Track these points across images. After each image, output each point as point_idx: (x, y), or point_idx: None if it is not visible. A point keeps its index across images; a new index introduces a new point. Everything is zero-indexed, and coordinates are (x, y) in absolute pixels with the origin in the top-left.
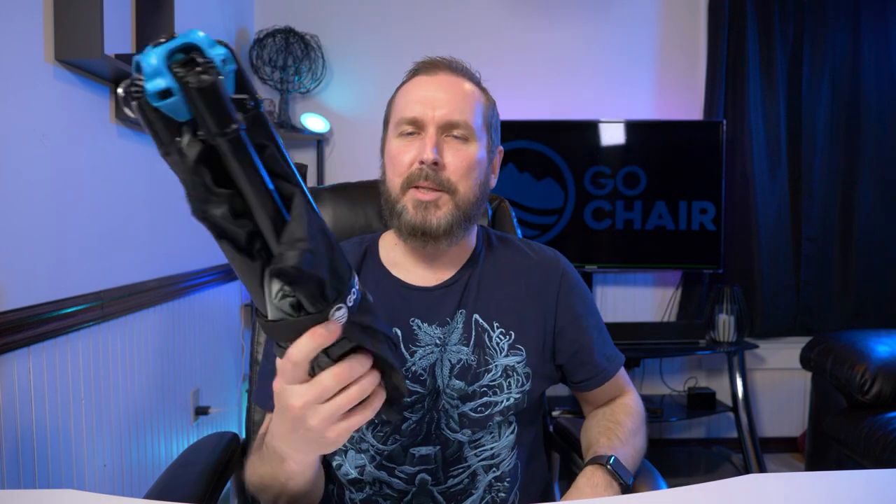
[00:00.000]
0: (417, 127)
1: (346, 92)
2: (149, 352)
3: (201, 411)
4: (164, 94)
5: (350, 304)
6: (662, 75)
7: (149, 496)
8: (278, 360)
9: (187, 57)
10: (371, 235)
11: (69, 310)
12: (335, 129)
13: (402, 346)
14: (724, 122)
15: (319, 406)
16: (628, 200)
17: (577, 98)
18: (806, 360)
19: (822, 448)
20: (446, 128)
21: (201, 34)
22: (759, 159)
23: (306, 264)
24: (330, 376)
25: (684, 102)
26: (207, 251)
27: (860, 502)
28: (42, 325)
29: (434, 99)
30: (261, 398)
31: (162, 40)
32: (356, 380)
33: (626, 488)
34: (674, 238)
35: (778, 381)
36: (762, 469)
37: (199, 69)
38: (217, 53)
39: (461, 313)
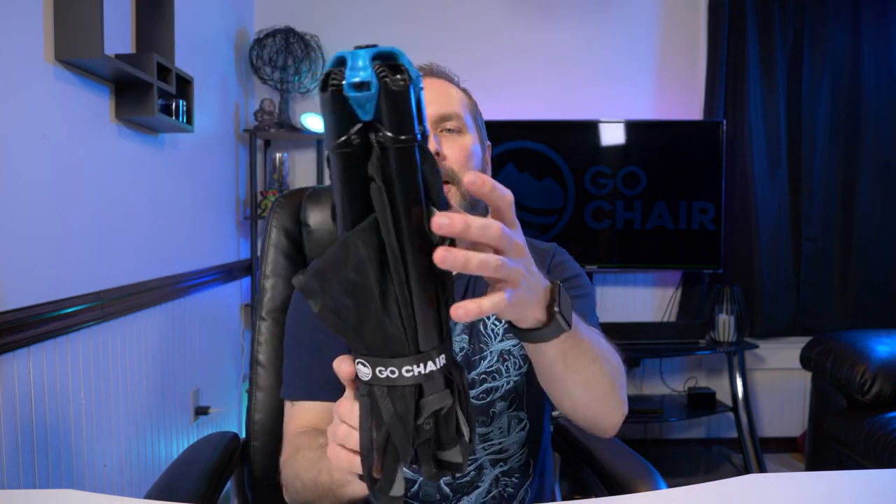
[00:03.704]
0: None
1: None
2: (149, 352)
3: (201, 411)
4: (361, 86)
5: (381, 376)
6: (662, 75)
7: (149, 496)
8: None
9: (390, 62)
10: None
11: (69, 310)
12: None
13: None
14: (724, 122)
15: (335, 422)
16: (628, 200)
17: (577, 98)
18: (806, 360)
19: (822, 448)
20: (439, 122)
21: (403, 54)
22: (759, 159)
23: (310, 283)
24: (338, 404)
25: (684, 102)
26: (207, 251)
27: (860, 502)
28: (42, 325)
29: None
30: (288, 390)
31: (368, 45)
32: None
33: (557, 319)
34: (674, 238)
35: (778, 381)
36: (762, 469)
37: (397, 75)
38: (414, 71)
39: None
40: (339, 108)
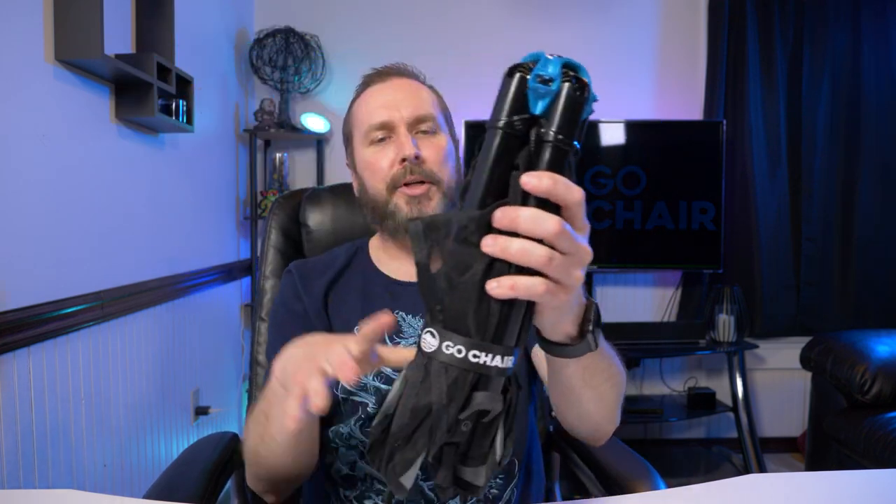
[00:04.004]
0: (387, 130)
1: (346, 92)
2: (149, 352)
3: (201, 411)
4: (545, 80)
5: (446, 351)
6: (662, 75)
7: (149, 496)
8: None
9: (577, 75)
10: (361, 239)
11: (69, 310)
12: (335, 129)
13: (386, 336)
14: (724, 122)
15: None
16: (628, 200)
17: None
18: (806, 360)
19: (822, 448)
20: (414, 124)
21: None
22: (759, 159)
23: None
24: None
25: (684, 102)
26: (207, 251)
27: (860, 502)
28: (42, 325)
29: (395, 101)
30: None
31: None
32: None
33: (588, 338)
34: (674, 238)
35: (778, 381)
36: (762, 469)
37: (580, 86)
38: (593, 94)
39: None
40: (517, 93)
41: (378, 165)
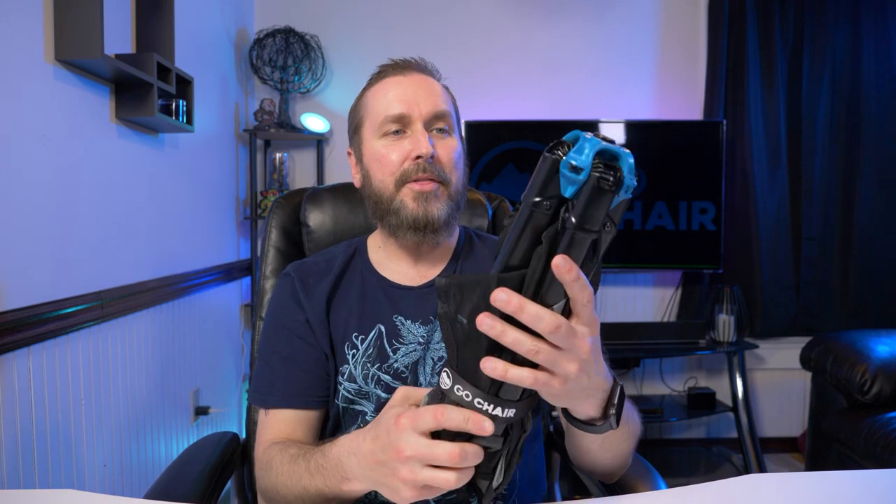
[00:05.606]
0: (403, 124)
1: (346, 92)
2: (149, 352)
3: (201, 411)
4: (575, 169)
5: (457, 392)
6: (662, 75)
7: (149, 496)
8: (420, 409)
9: (611, 162)
10: (359, 238)
11: (69, 310)
12: (335, 129)
13: (385, 341)
14: (724, 122)
15: (419, 466)
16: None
17: (577, 98)
18: (806, 360)
19: (822, 448)
20: (431, 122)
21: (632, 159)
22: (759, 159)
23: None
24: (446, 450)
25: (684, 102)
26: (207, 251)
27: (860, 502)
28: (42, 325)
29: (415, 95)
30: (262, 398)
31: (604, 138)
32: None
33: (609, 420)
34: (674, 238)
35: (778, 381)
36: (762, 469)
37: (609, 176)
38: (631, 181)
39: None
40: (550, 174)
41: (389, 158)
